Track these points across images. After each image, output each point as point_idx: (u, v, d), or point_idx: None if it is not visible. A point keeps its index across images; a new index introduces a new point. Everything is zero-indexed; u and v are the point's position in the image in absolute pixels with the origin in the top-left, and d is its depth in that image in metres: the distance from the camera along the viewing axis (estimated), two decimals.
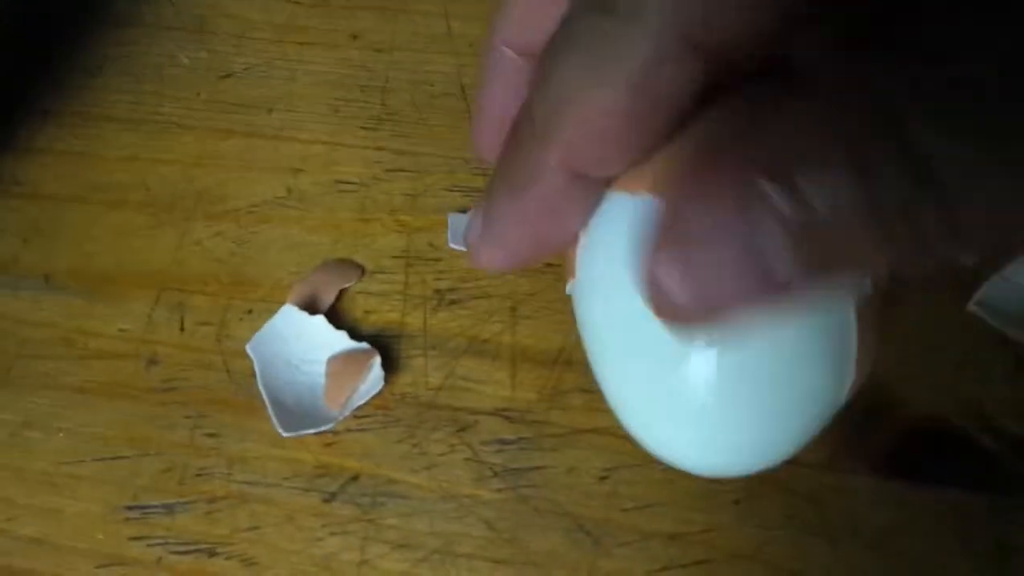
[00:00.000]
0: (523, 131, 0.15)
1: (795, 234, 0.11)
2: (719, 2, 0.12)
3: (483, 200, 0.16)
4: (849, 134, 0.11)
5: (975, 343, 0.25)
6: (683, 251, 0.12)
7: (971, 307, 0.25)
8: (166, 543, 0.24)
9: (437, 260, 0.29)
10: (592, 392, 0.26)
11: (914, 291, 0.25)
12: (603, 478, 0.24)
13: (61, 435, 0.26)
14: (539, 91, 0.14)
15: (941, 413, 0.24)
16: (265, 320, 0.27)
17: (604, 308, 0.18)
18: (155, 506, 0.25)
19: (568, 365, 0.26)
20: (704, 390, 0.18)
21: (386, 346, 0.27)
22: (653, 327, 0.17)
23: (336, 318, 0.27)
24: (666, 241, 0.12)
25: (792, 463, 0.24)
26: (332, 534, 0.24)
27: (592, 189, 0.16)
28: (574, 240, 0.17)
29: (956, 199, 0.10)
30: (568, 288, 0.18)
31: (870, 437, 0.24)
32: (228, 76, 0.34)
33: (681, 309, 0.12)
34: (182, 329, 0.28)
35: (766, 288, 0.11)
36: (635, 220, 0.16)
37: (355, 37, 0.34)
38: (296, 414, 0.25)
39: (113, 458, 0.26)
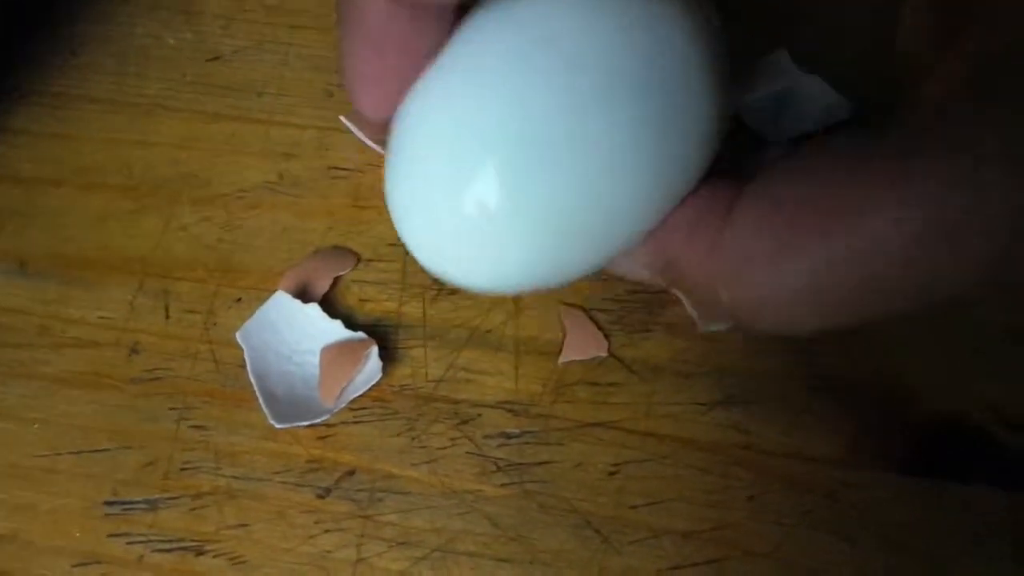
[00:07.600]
0: None
1: None
2: None
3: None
4: None
5: (992, 338, 0.25)
6: None
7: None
8: (148, 540, 0.23)
9: None
10: (599, 385, 0.25)
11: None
12: (612, 473, 0.23)
13: (36, 427, 0.25)
14: None
15: (959, 409, 0.24)
16: (255, 309, 0.26)
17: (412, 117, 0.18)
18: (137, 502, 0.23)
19: None
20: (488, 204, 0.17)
21: (383, 336, 0.25)
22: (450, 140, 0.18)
23: (330, 307, 0.26)
24: None
25: (807, 458, 0.24)
26: (326, 531, 0.23)
27: (426, 23, 0.16)
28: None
29: None
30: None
31: (886, 433, 0.24)
32: (216, 58, 0.32)
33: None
34: (167, 317, 0.26)
35: None
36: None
37: None
38: (288, 406, 0.24)
39: (92, 451, 0.24)
